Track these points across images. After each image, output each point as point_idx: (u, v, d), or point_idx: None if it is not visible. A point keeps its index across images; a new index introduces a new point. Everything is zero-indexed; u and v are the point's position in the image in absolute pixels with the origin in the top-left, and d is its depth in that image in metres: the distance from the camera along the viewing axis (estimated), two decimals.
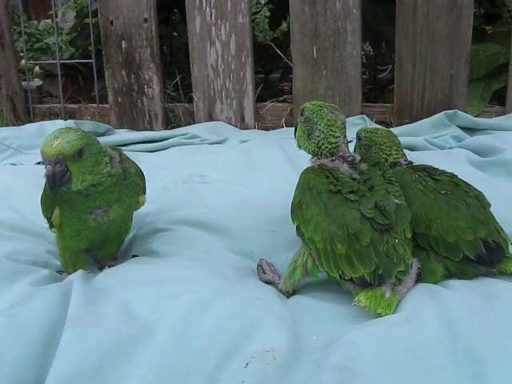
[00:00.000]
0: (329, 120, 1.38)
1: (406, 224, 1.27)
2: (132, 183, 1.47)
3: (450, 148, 2.40)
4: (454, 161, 2.11)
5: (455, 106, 2.68)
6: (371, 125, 2.60)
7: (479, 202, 1.37)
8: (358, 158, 1.40)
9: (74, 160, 1.28)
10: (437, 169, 1.46)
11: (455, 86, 2.70)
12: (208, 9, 2.90)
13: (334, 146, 1.38)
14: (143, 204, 1.55)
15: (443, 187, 1.37)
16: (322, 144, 1.38)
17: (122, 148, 1.64)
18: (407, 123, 2.72)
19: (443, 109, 2.64)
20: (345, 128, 1.41)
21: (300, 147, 1.46)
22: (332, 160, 1.37)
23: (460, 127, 2.55)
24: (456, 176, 1.44)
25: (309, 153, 1.43)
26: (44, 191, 1.48)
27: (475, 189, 1.41)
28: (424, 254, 1.33)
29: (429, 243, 1.32)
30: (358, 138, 1.58)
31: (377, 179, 1.32)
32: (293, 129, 2.64)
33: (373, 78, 3.77)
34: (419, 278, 1.29)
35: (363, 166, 1.36)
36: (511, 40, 2.63)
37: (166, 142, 2.70)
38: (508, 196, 1.78)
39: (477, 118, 2.60)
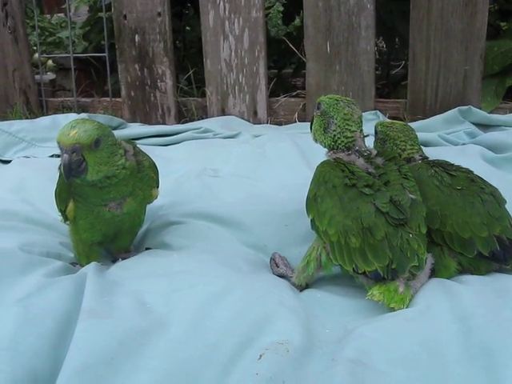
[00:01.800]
0: (345, 114, 1.38)
1: (420, 219, 1.27)
2: (146, 176, 1.47)
3: (464, 144, 2.39)
4: (468, 157, 2.10)
5: (469, 102, 2.67)
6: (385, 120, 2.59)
7: (495, 198, 1.36)
8: (374, 152, 1.39)
9: (90, 150, 1.29)
10: (453, 164, 1.45)
11: (469, 82, 2.69)
12: (222, 3, 2.90)
13: (350, 140, 1.37)
14: (156, 197, 1.56)
15: (459, 183, 1.36)
16: (339, 138, 1.38)
17: (135, 142, 1.64)
18: (420, 119, 2.71)
19: (457, 105, 2.63)
20: (361, 122, 1.41)
21: (316, 141, 1.45)
22: (348, 154, 1.37)
23: (474, 123, 2.54)
24: (472, 172, 1.43)
25: (325, 147, 1.43)
26: (58, 185, 1.48)
27: (491, 185, 1.40)
28: (438, 249, 1.32)
29: (443, 239, 1.32)
30: (375, 131, 1.57)
31: (392, 174, 1.31)
32: (306, 124, 2.63)
33: (386, 73, 3.76)
34: (433, 274, 1.28)
35: (379, 161, 1.36)
36: None
37: (179, 136, 2.71)
38: None
39: (490, 115, 2.59)
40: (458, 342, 1.02)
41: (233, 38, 2.93)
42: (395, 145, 1.50)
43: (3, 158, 2.53)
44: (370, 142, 1.50)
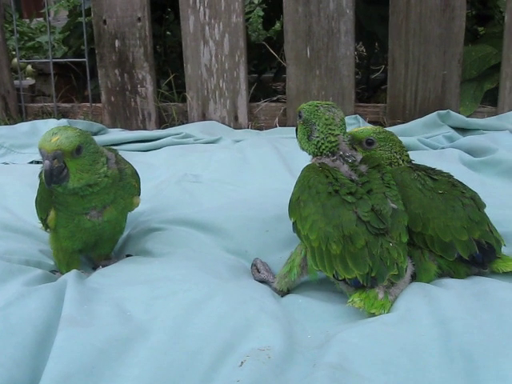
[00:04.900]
0: (326, 119, 1.37)
1: (401, 229, 1.27)
2: (128, 185, 1.47)
3: (443, 148, 2.41)
4: (447, 161, 2.12)
5: (448, 106, 2.69)
6: (365, 125, 2.61)
7: (475, 202, 1.37)
8: (359, 157, 1.39)
9: (72, 157, 1.28)
10: (434, 169, 1.46)
11: (448, 87, 2.72)
12: (202, 8, 2.90)
13: (334, 144, 1.37)
14: (137, 205, 1.55)
15: (441, 187, 1.37)
16: (322, 144, 1.37)
17: (115, 147, 1.63)
18: (400, 123, 2.73)
19: (436, 109, 2.65)
20: (344, 125, 1.39)
21: (303, 149, 1.44)
22: (333, 160, 1.36)
23: (452, 127, 2.56)
24: (452, 176, 1.44)
25: (309, 154, 1.42)
26: (39, 193, 1.47)
27: (471, 189, 1.42)
28: (418, 252, 1.33)
29: (424, 242, 1.33)
30: (369, 141, 1.47)
31: (375, 182, 1.31)
32: (286, 128, 2.63)
33: (366, 78, 3.78)
34: (413, 280, 1.29)
35: (363, 168, 1.35)
36: (503, 41, 2.65)
37: (160, 141, 2.70)
38: (500, 195, 1.79)
39: (469, 118, 2.61)
40: (438, 346, 1.03)
41: (213, 43, 2.93)
42: (401, 148, 1.48)
43: None
44: None
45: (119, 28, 3.05)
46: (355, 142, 1.47)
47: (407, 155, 1.50)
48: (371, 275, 1.20)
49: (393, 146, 1.48)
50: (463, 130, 2.57)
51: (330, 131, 1.37)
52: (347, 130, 1.44)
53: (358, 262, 1.20)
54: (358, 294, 1.21)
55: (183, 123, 3.08)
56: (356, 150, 1.46)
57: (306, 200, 1.30)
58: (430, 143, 2.46)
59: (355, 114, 2.80)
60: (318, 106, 1.39)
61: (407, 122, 2.71)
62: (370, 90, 3.62)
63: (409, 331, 1.08)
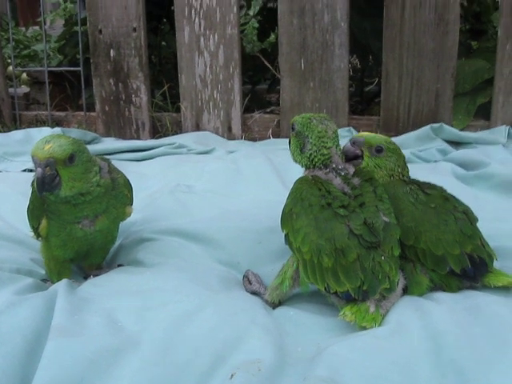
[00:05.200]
0: (319, 132, 1.37)
1: (394, 242, 1.27)
2: (120, 194, 1.46)
3: (436, 161, 2.42)
4: (440, 174, 2.12)
5: (441, 119, 2.71)
6: None
7: (467, 216, 1.37)
8: (352, 170, 1.39)
9: (64, 165, 1.28)
10: (427, 183, 1.46)
11: (441, 100, 2.73)
12: (197, 19, 2.91)
13: (326, 157, 1.37)
14: (130, 215, 1.55)
15: (433, 201, 1.37)
16: (315, 156, 1.37)
17: (109, 157, 1.63)
18: (393, 136, 2.72)
19: (429, 122, 2.67)
20: (337, 137, 1.40)
21: (295, 161, 1.45)
22: (326, 173, 1.36)
23: (445, 140, 2.58)
24: (445, 190, 1.44)
25: (302, 166, 1.42)
26: (31, 202, 1.47)
27: (463, 203, 1.42)
28: (410, 265, 1.33)
29: (416, 255, 1.33)
30: (379, 148, 1.46)
31: (368, 195, 1.31)
32: (280, 140, 2.63)
33: (360, 90, 3.80)
34: (405, 293, 1.29)
35: (355, 181, 1.35)
36: (496, 56, 2.67)
37: (153, 151, 2.70)
38: (492, 209, 1.80)
39: (462, 132, 2.63)
40: (429, 360, 1.03)
41: (208, 54, 2.94)
42: (404, 163, 1.48)
43: None
44: None
45: (114, 38, 3.06)
46: (365, 145, 1.47)
47: (408, 171, 1.50)
48: (363, 288, 1.20)
49: (398, 159, 1.47)
50: (456, 144, 2.58)
51: (322, 144, 1.37)
52: (355, 134, 1.43)
53: (349, 276, 1.20)
54: (350, 307, 1.20)
55: (177, 133, 3.09)
56: (363, 152, 1.45)
57: (298, 212, 1.30)
58: (423, 156, 2.47)
59: (349, 126, 2.81)
60: (310, 119, 1.39)
61: (400, 135, 2.72)
62: (363, 102, 3.64)
63: (400, 345, 1.07)
